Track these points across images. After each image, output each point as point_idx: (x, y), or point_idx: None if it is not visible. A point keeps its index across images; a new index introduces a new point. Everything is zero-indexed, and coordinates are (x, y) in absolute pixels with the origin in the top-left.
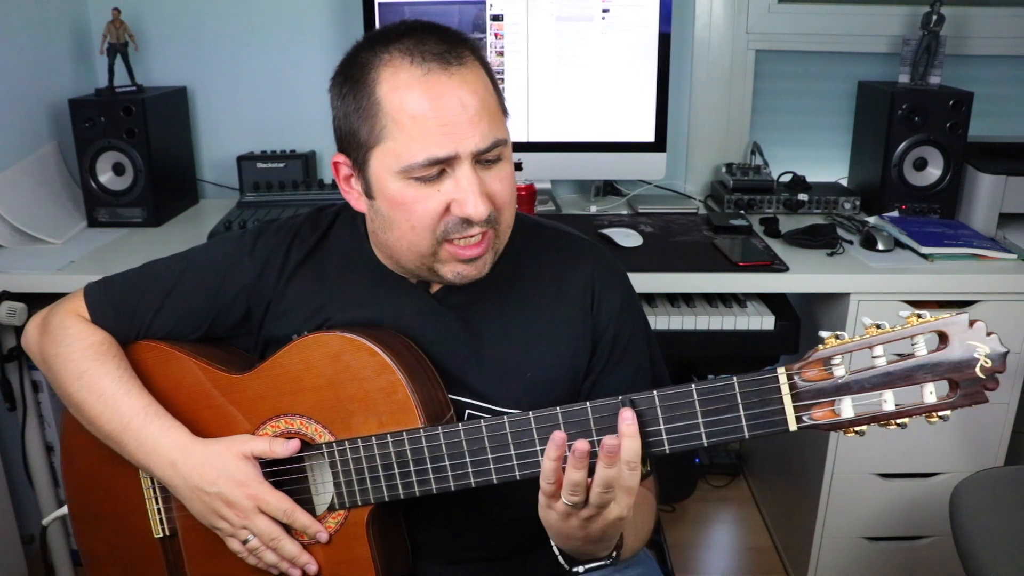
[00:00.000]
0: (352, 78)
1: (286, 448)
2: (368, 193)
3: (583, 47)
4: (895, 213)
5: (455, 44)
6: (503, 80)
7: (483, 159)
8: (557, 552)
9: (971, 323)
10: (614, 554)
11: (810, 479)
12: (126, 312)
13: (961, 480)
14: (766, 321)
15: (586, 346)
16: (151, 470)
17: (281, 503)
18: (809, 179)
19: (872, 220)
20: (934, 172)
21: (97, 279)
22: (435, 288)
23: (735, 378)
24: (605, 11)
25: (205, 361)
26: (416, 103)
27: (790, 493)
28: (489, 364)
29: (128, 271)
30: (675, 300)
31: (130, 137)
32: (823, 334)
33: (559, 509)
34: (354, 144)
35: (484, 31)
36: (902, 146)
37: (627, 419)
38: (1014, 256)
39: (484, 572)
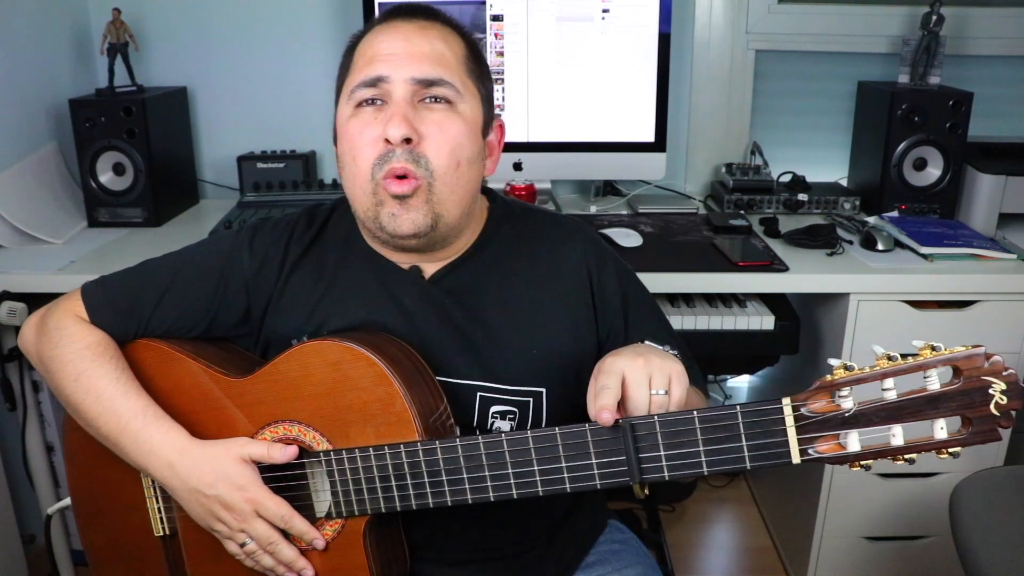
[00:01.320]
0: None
1: (284, 454)
2: (336, 140)
3: (583, 47)
4: (895, 213)
5: (433, 14)
6: (503, 79)
7: (425, 95)
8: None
9: (987, 356)
10: None
11: (810, 479)
12: (124, 310)
13: (961, 480)
14: (766, 321)
15: (588, 319)
16: (149, 471)
17: (279, 508)
18: (809, 179)
19: (872, 220)
20: (934, 172)
21: (94, 279)
22: (429, 273)
23: (738, 406)
24: (605, 11)
25: (204, 362)
26: (372, 41)
27: (790, 493)
28: (493, 345)
29: (125, 270)
30: (675, 300)
31: (130, 137)
32: (832, 362)
33: None
34: (336, 98)
35: (484, 31)
36: (902, 146)
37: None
38: (1014, 256)
39: (485, 573)
